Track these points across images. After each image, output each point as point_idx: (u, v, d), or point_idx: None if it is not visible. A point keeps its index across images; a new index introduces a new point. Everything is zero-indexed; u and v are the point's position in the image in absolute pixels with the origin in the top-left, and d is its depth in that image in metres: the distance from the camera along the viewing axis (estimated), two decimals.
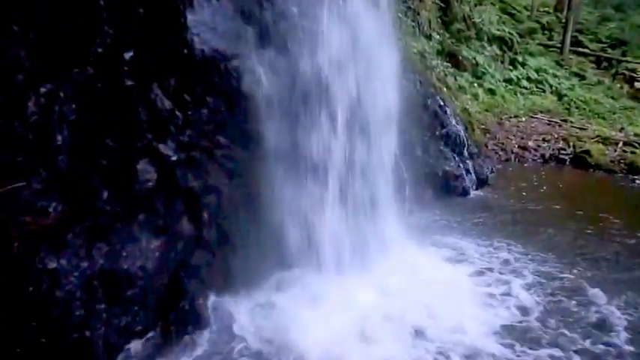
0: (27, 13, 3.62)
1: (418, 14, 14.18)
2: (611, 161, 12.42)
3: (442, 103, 9.53)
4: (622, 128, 15.19)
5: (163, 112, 4.44)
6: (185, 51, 4.67)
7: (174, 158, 4.44)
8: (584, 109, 17.09)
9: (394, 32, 6.64)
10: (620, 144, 13.23)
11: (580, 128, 14.70)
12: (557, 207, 9.21)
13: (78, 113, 3.84)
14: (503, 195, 9.68)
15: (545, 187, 10.50)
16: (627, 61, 21.16)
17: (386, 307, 5.16)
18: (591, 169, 12.22)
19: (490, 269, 6.38)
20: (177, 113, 4.55)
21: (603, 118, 16.37)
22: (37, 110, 3.65)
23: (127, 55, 4.16)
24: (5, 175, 3.49)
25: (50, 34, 3.71)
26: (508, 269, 6.42)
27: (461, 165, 9.40)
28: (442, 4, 16.50)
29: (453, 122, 9.54)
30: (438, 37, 15.06)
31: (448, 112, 9.58)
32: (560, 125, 14.85)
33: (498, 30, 18.74)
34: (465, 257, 6.65)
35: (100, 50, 3.98)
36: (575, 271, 6.51)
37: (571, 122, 15.32)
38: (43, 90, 3.69)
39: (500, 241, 7.24)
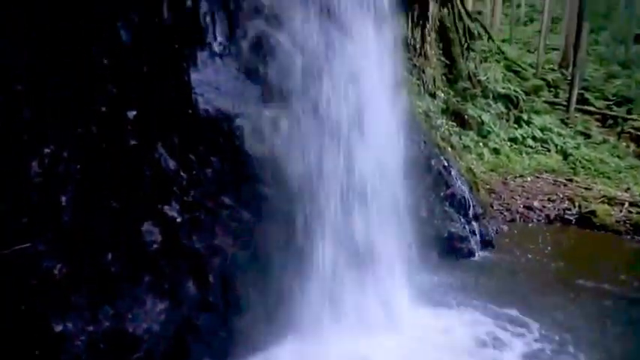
0: (30, 71, 3.66)
1: (423, 72, 14.34)
2: (617, 221, 12.27)
3: (446, 164, 9.53)
4: (628, 188, 15.13)
5: (168, 171, 4.46)
6: (189, 111, 4.72)
7: (178, 220, 4.43)
8: (590, 168, 17.07)
9: (400, 91, 6.71)
10: (626, 204, 13.14)
11: (585, 188, 14.63)
12: (563, 269, 9.11)
13: (82, 173, 3.86)
14: (508, 257, 9.56)
15: (549, 248, 10.42)
16: (633, 119, 21.21)
17: None
18: (596, 230, 12.11)
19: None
20: (182, 173, 4.57)
21: (609, 178, 16.33)
22: (41, 171, 3.67)
23: (131, 114, 4.20)
24: (10, 236, 3.50)
25: (53, 93, 3.75)
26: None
27: (466, 226, 9.32)
28: (447, 62, 16.71)
29: (458, 183, 9.52)
30: (442, 95, 15.20)
31: (453, 172, 9.55)
32: (565, 185, 14.81)
33: (504, 88, 18.89)
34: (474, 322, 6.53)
35: (103, 109, 4.02)
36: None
37: (576, 182, 15.27)
38: (46, 150, 3.71)
39: (506, 305, 7.13)
